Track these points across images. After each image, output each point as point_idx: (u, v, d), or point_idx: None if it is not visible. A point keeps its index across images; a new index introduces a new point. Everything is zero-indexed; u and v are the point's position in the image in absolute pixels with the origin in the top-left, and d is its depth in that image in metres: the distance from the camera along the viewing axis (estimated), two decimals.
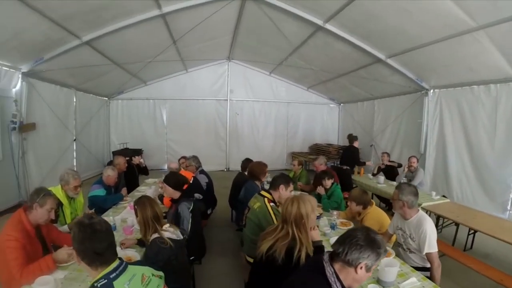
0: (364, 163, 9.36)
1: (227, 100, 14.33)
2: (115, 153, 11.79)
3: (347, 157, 9.29)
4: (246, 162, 6.64)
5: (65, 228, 4.10)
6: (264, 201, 3.96)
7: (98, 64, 9.48)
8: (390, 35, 7.50)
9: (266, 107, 14.69)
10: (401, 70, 8.87)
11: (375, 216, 4.47)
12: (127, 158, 7.17)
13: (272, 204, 3.97)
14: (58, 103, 9.91)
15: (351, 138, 9.49)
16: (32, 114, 8.54)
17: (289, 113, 14.87)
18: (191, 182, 5.55)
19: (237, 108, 14.46)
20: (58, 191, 4.29)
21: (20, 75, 8.06)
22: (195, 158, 6.97)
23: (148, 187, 6.63)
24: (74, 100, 10.97)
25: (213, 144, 14.25)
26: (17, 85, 8.05)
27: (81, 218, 2.09)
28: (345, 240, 2.01)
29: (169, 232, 3.20)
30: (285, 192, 4.06)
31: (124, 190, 5.92)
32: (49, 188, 4.21)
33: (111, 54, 9.45)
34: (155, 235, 3.10)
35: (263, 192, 4.16)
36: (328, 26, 7.98)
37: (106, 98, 13.73)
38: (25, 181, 8.27)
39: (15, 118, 7.93)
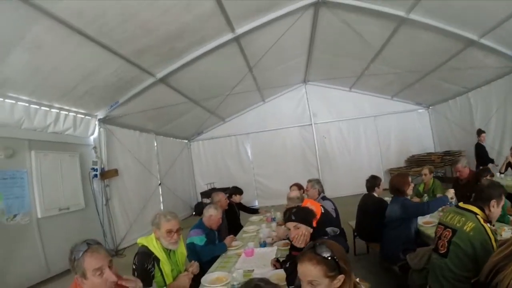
0: (492, 161, 8.12)
1: (311, 124, 13.44)
2: (204, 194, 11.35)
3: (476, 156, 8.15)
4: (373, 180, 5.42)
5: None
6: (479, 220, 2.78)
7: (175, 104, 9.14)
8: (481, 7, 6.33)
9: (353, 125, 13.51)
10: (496, 48, 7.54)
11: None
12: (227, 194, 6.32)
13: (489, 225, 2.77)
14: (140, 148, 9.70)
15: (477, 132, 8.40)
16: (113, 160, 8.31)
17: (378, 127, 13.54)
18: (322, 212, 4.35)
19: (323, 131, 13.48)
20: (151, 242, 3.27)
21: (96, 122, 7.88)
22: (318, 181, 5.79)
23: (257, 226, 5.76)
24: (155, 144, 10.78)
25: (304, 172, 12.78)
26: (94, 132, 7.86)
27: None
28: None
29: None
30: (497, 210, 2.88)
31: (230, 239, 4.85)
32: (140, 240, 3.31)
33: (188, 91, 9.10)
34: None
35: (469, 207, 2.93)
36: (413, 15, 6.94)
37: (186, 141, 13.55)
38: (111, 228, 7.92)
39: (95, 165, 7.68)
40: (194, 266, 3.60)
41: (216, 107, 10.75)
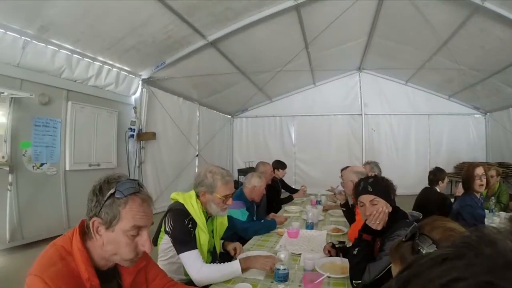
0: None
1: (361, 115, 12.65)
2: (241, 171, 10.97)
3: None
4: (438, 173, 4.78)
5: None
6: None
7: (223, 73, 8.74)
8: None
9: (405, 121, 12.63)
10: None
11: None
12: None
13: None
14: (181, 116, 9.35)
15: None
16: (152, 123, 8.00)
17: (431, 128, 12.55)
18: None
19: (373, 124, 12.68)
20: (189, 200, 2.55)
21: (140, 82, 7.59)
22: (376, 164, 5.30)
23: (299, 207, 5.26)
24: (198, 114, 10.43)
25: (346, 163, 12.05)
26: (136, 92, 7.59)
27: None
28: None
29: None
30: None
31: (283, 218, 4.24)
32: (175, 194, 2.63)
33: (238, 61, 8.58)
34: None
35: None
36: (488, 4, 6.13)
37: (230, 116, 13.14)
38: None
39: (133, 125, 7.39)
40: (239, 248, 3.01)
41: (266, 83, 10.19)
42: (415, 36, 8.35)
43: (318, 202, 5.58)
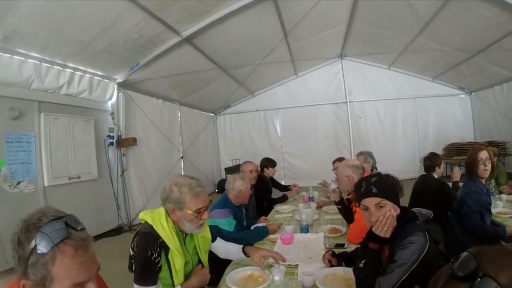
0: None
1: (346, 102, 12.47)
2: (228, 170, 10.75)
3: None
4: (433, 158, 4.65)
5: None
6: None
7: (202, 70, 8.46)
8: None
9: (390, 105, 12.52)
10: None
11: None
12: (258, 169, 5.42)
13: None
14: (162, 118, 9.07)
15: None
16: (131, 128, 7.72)
17: (417, 111, 12.47)
18: None
19: (358, 111, 12.54)
20: (158, 220, 2.17)
21: (115, 86, 7.28)
22: (370, 154, 5.05)
23: (292, 206, 5.01)
24: (179, 115, 10.15)
25: (335, 153, 11.13)
26: (112, 97, 7.28)
27: None
28: None
29: None
30: None
31: (276, 226, 3.89)
32: (143, 214, 2.25)
33: (216, 56, 8.33)
34: None
35: None
36: None
37: (212, 114, 12.90)
38: (126, 201, 7.38)
39: (112, 132, 7.07)
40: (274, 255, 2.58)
41: (246, 77, 10.00)
42: (396, 19, 8.21)
43: (311, 199, 5.29)
